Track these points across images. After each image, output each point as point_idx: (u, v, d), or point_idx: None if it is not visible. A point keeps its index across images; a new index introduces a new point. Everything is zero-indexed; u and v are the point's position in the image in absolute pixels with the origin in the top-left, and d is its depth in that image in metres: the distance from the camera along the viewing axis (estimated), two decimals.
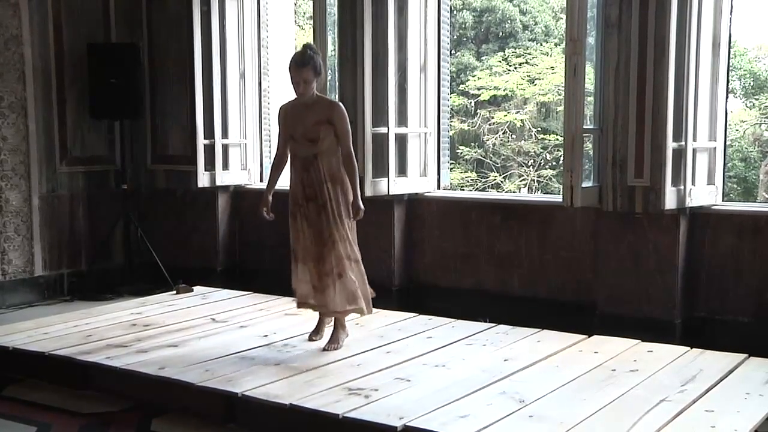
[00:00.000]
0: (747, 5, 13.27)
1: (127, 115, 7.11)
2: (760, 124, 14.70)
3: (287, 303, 5.64)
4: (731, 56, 5.52)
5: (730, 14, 5.27)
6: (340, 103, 4.85)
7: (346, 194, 4.68)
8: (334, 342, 4.72)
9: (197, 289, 6.37)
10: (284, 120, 4.78)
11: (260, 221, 6.99)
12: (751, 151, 14.46)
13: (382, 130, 6.01)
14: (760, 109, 14.56)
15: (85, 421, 4.07)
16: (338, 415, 3.60)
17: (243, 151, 7.20)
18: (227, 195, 7.19)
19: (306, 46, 4.67)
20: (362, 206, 4.69)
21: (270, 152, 7.38)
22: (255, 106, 7.25)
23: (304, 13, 15.17)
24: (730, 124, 9.59)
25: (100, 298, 6.75)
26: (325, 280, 4.63)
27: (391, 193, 6.07)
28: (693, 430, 3.44)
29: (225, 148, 7.04)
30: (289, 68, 4.60)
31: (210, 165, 6.92)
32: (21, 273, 6.75)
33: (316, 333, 4.88)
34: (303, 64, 4.56)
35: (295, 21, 12.75)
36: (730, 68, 5.57)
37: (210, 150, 6.92)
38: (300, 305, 4.90)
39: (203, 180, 6.91)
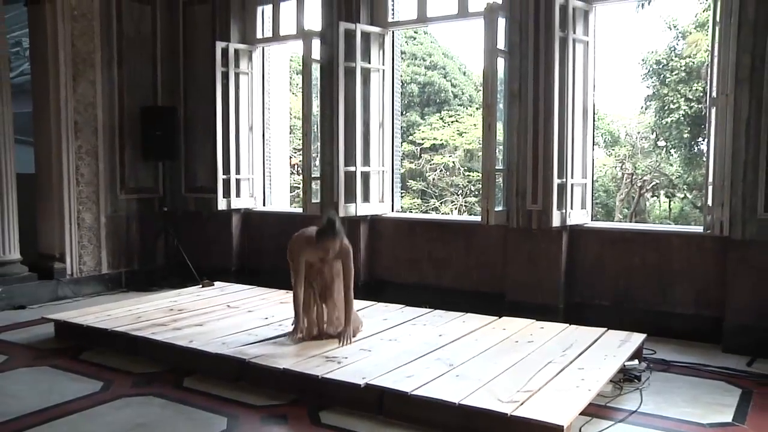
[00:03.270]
0: (606, 83, 13.51)
1: (168, 157, 7.07)
2: (615, 167, 15.19)
3: (282, 294, 5.59)
4: (596, 119, 5.59)
5: (594, 90, 5.37)
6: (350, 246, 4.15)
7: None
8: (345, 337, 4.17)
9: (217, 283, 6.28)
10: (305, 251, 4.04)
11: (262, 235, 7.01)
12: (609, 185, 14.94)
13: (351, 168, 6.01)
14: (615, 157, 15.07)
15: (136, 379, 4.02)
16: (318, 375, 3.57)
17: (251, 183, 7.13)
18: (239, 216, 7.12)
19: (333, 222, 3.92)
20: (352, 338, 4.15)
21: (270, 184, 7.33)
22: (260, 151, 7.19)
23: (297, 84, 15.15)
24: (596, 167, 9.74)
25: (147, 289, 6.68)
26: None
27: (358, 215, 6.06)
28: (570, 380, 3.47)
29: (238, 181, 6.98)
30: (325, 240, 3.91)
31: (227, 193, 6.85)
32: (92, 271, 6.71)
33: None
34: (339, 237, 3.95)
35: (290, 89, 12.69)
36: (595, 128, 5.66)
37: (227, 182, 6.85)
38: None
39: (222, 204, 6.83)
